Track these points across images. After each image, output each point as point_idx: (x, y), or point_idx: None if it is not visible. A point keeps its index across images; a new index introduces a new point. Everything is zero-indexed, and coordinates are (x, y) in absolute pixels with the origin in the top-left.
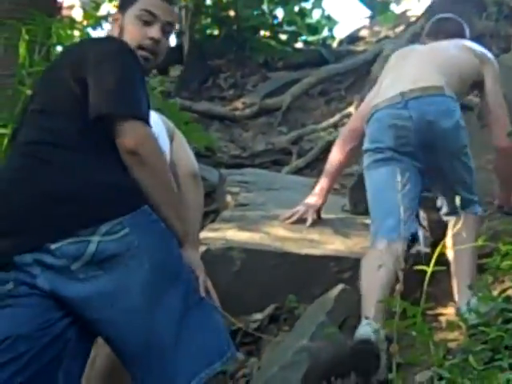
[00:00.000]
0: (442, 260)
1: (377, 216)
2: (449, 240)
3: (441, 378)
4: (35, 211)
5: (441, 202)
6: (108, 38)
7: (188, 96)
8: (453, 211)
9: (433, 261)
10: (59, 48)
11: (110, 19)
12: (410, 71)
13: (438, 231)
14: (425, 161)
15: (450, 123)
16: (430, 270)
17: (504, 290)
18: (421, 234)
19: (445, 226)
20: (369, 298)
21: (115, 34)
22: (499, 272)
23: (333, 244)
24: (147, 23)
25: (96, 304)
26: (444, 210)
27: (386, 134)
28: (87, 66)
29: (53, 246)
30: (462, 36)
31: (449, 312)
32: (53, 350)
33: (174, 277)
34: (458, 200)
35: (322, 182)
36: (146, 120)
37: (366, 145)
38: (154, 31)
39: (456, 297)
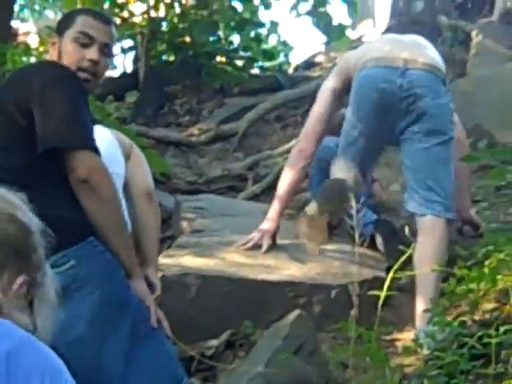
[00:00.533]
0: (398, 284)
1: None
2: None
3: None
4: None
5: (408, 195)
6: (48, 63)
7: (144, 122)
8: (420, 209)
9: (386, 286)
10: None
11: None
12: (412, 44)
13: (394, 254)
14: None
15: (438, 102)
16: (383, 294)
17: (459, 315)
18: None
19: (401, 252)
20: None
21: (54, 57)
22: (455, 296)
23: (288, 269)
24: (85, 45)
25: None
26: (411, 204)
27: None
28: (32, 96)
29: None
30: None
31: (405, 337)
32: None
33: (121, 308)
34: (428, 195)
35: (275, 206)
36: (95, 149)
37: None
38: (93, 53)
39: (416, 320)
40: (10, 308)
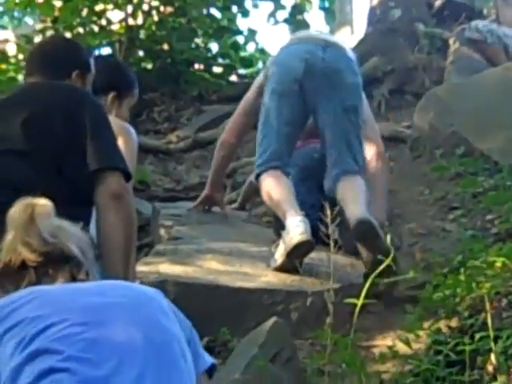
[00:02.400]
0: (375, 291)
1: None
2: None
3: None
4: None
5: (329, 162)
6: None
7: None
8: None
9: (363, 293)
10: None
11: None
12: (327, 34)
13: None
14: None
15: (356, 80)
16: (360, 302)
17: (436, 322)
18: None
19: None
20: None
21: None
22: (431, 304)
23: (266, 277)
24: None
25: None
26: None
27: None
28: (85, 121)
29: None
30: None
31: (382, 343)
32: None
33: None
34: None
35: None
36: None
37: None
38: None
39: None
40: None
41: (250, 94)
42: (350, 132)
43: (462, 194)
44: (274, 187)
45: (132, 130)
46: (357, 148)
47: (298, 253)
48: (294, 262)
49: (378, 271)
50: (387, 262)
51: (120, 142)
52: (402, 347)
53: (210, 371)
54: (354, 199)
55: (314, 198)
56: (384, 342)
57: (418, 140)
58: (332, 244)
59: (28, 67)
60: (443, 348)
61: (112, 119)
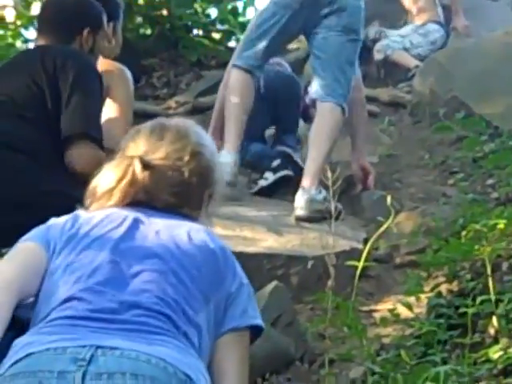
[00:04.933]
0: (376, 255)
1: None
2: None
3: (374, 374)
4: None
5: (314, 82)
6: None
7: None
8: (324, 96)
9: (363, 256)
10: None
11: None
12: None
13: None
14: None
15: (358, 3)
16: (360, 265)
17: (437, 286)
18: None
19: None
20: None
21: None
22: (432, 267)
23: (266, 241)
24: None
25: None
26: (315, 91)
27: None
28: (64, 81)
29: (4, 251)
30: None
31: (383, 308)
32: None
33: None
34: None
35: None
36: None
37: None
38: None
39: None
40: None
41: None
42: (343, 61)
43: (463, 159)
44: None
45: (126, 71)
46: (347, 78)
47: None
48: None
49: (378, 234)
50: (387, 224)
51: (114, 85)
52: (403, 311)
53: (255, 334)
54: None
55: None
56: (385, 307)
57: (418, 105)
58: (333, 208)
59: (38, 25)
60: (445, 311)
61: (103, 63)
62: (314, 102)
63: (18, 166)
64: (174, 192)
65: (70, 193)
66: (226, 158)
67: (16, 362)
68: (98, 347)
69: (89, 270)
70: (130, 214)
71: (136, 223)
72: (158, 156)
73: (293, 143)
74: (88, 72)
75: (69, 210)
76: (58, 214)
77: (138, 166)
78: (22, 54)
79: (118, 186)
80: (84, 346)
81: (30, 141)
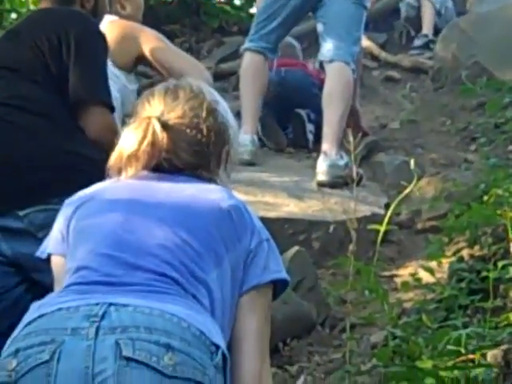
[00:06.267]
0: (397, 220)
1: None
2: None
3: (395, 338)
4: (3, 176)
5: (321, 45)
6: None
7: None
8: (331, 56)
9: (385, 221)
10: (13, 15)
11: None
12: None
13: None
14: None
15: None
16: (382, 229)
17: (458, 251)
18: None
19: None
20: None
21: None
22: (453, 232)
23: (287, 206)
24: None
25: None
26: (322, 53)
27: None
28: (67, 45)
29: (21, 213)
30: None
31: (404, 273)
32: (11, 315)
33: None
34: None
35: None
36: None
37: None
38: None
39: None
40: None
41: None
42: (348, 21)
43: (484, 125)
44: None
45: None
46: (353, 38)
47: None
48: None
49: (400, 198)
50: (409, 189)
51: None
52: (424, 276)
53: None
54: None
55: None
56: (406, 272)
57: (440, 71)
58: (355, 174)
59: None
60: (466, 275)
61: (120, 24)
62: (321, 65)
63: (41, 129)
64: (194, 151)
65: (94, 157)
66: (244, 140)
67: (29, 322)
68: (110, 304)
69: (98, 236)
70: (141, 182)
71: (145, 189)
72: (175, 115)
73: None
74: (90, 34)
75: (94, 174)
76: (83, 177)
77: (157, 125)
78: (26, 19)
79: (141, 147)
80: (97, 304)
81: (47, 103)
